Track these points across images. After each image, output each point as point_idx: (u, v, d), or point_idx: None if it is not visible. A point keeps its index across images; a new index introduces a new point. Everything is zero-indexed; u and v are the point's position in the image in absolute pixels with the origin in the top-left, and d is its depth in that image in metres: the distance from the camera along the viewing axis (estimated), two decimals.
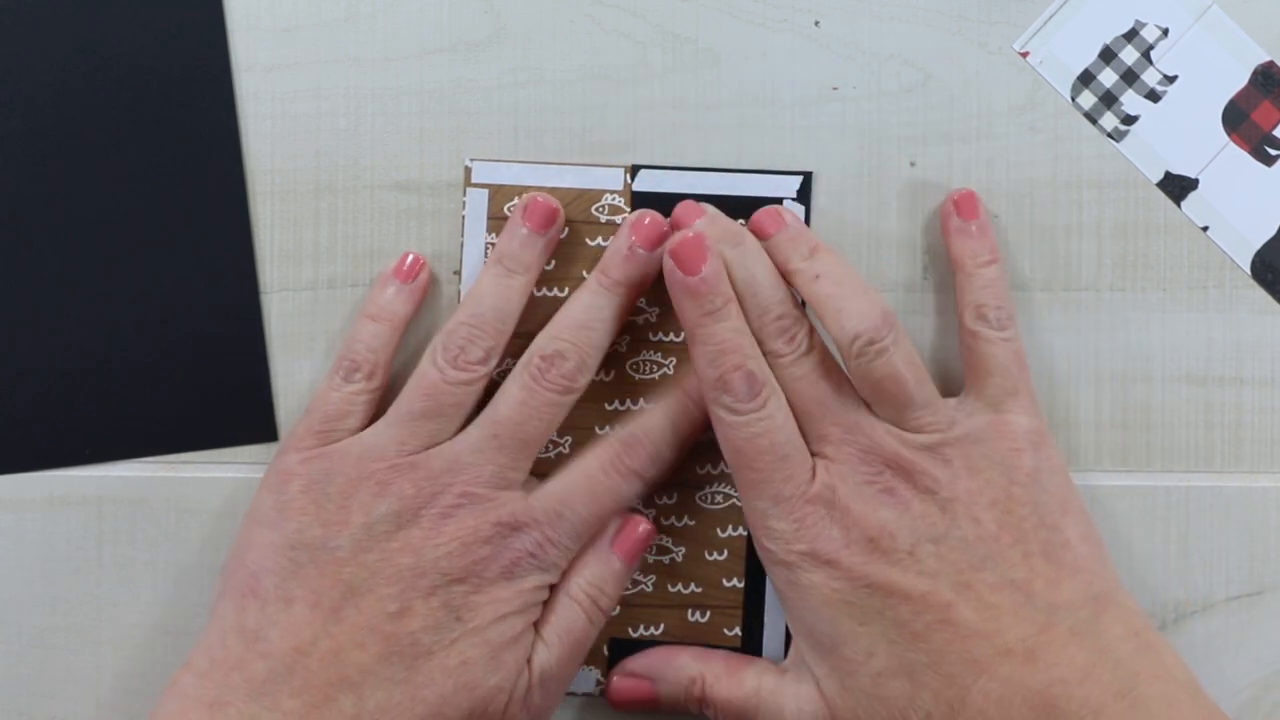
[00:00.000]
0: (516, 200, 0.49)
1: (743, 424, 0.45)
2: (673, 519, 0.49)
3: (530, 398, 0.45)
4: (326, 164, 0.51)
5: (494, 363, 0.47)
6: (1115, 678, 0.42)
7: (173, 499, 0.51)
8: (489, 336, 0.46)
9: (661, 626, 0.49)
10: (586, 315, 0.46)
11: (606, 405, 0.49)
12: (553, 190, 0.49)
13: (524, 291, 0.47)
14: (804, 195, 0.49)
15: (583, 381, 0.46)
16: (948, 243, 0.48)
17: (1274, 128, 0.51)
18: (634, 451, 0.46)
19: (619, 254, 0.47)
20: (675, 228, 0.47)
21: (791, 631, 0.46)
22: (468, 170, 0.49)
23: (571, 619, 0.46)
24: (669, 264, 0.45)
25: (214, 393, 0.51)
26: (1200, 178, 0.51)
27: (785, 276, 0.47)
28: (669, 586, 0.49)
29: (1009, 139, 0.51)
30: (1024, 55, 0.51)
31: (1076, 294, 0.51)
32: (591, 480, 0.46)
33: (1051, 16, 0.51)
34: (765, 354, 0.46)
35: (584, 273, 0.49)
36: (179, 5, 0.51)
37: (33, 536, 0.51)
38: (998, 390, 0.46)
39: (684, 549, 0.49)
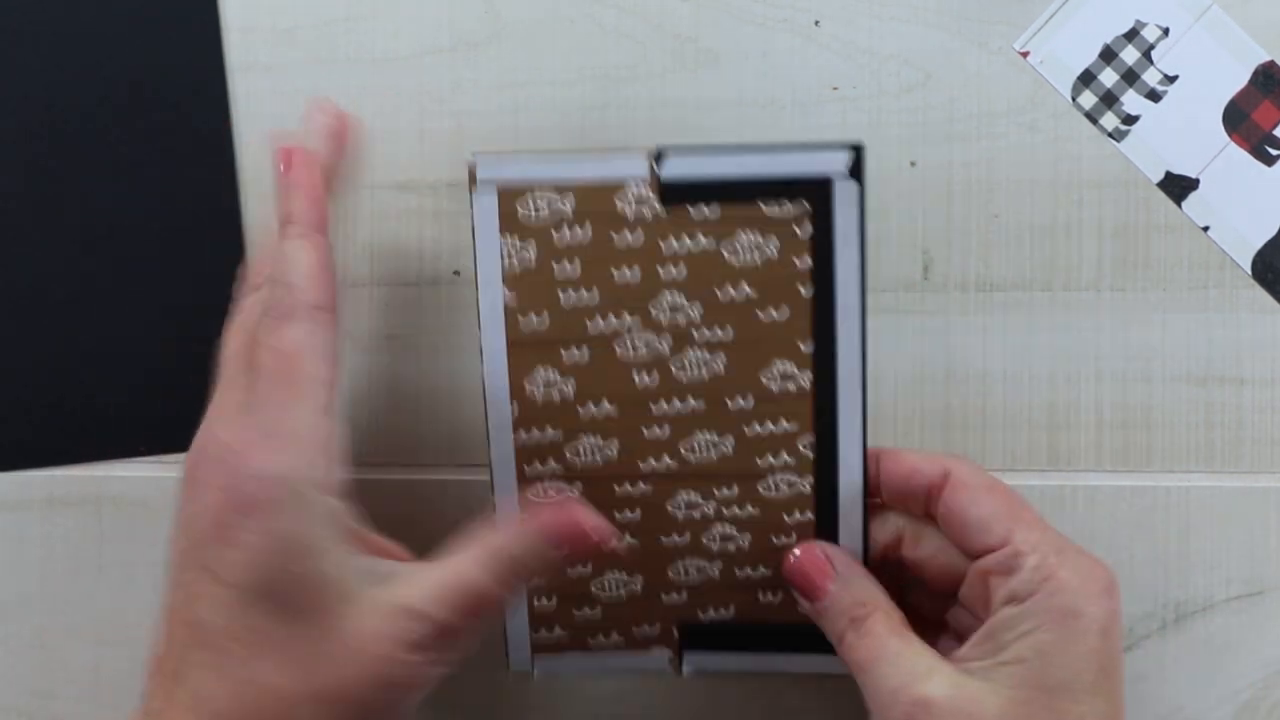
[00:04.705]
0: (529, 197, 0.44)
1: None
2: (734, 509, 0.47)
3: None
4: None
5: None
6: None
7: (173, 499, 0.51)
8: None
9: (732, 608, 0.48)
10: None
11: (653, 406, 0.46)
12: (569, 183, 0.44)
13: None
14: (857, 171, 0.44)
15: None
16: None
17: (1275, 127, 0.51)
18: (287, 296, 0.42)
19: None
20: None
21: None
22: (471, 168, 0.44)
23: (465, 566, 0.42)
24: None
25: (204, 395, 0.51)
26: (1201, 178, 0.51)
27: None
28: (736, 571, 0.48)
29: (1009, 139, 0.51)
30: (1024, 55, 0.51)
31: (1076, 294, 0.51)
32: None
33: (1051, 16, 0.51)
34: None
35: (612, 271, 0.45)
36: (173, 5, 0.51)
37: (33, 536, 0.51)
38: None
39: (749, 535, 0.47)
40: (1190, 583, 0.51)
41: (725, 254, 0.45)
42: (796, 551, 0.47)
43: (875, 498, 0.47)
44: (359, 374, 0.51)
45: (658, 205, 0.45)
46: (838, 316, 0.45)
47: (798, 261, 0.45)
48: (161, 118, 0.51)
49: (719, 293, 0.45)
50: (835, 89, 0.51)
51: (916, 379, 0.51)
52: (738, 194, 0.45)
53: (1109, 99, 0.51)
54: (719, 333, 0.46)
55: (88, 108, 0.50)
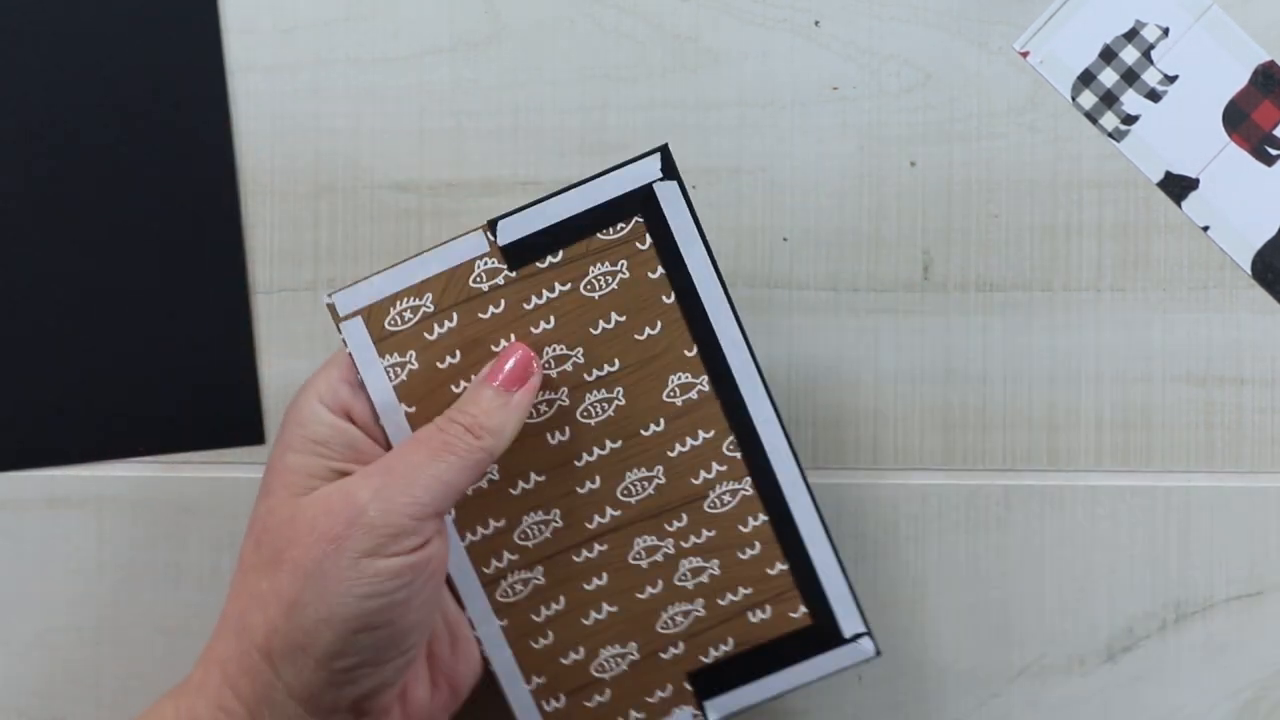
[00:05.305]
0: (391, 310, 0.46)
1: None
2: (692, 538, 0.47)
3: None
4: (326, 164, 0.51)
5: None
6: None
7: (173, 499, 0.51)
8: None
9: (731, 641, 0.48)
10: None
11: (576, 462, 0.47)
12: (423, 283, 0.46)
13: None
14: (669, 170, 0.45)
15: None
16: None
17: (1274, 127, 0.51)
18: None
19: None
20: None
21: None
22: (331, 307, 0.45)
23: (424, 430, 0.44)
24: None
25: (203, 395, 0.51)
26: (1200, 177, 0.51)
27: None
28: (719, 602, 0.48)
29: (1009, 139, 0.51)
30: (1024, 55, 0.51)
31: (1076, 294, 0.51)
32: None
33: (1051, 16, 0.51)
34: None
35: (490, 346, 0.46)
36: (173, 5, 0.51)
37: (33, 536, 0.51)
38: None
39: (716, 560, 0.48)
40: (1190, 583, 0.51)
41: (584, 291, 0.46)
42: None
43: None
44: None
45: (508, 271, 0.46)
46: (708, 311, 0.46)
47: (651, 274, 0.46)
48: (161, 118, 0.51)
49: (593, 330, 0.46)
50: (835, 89, 0.51)
51: (916, 379, 0.51)
52: (574, 233, 0.46)
53: (1109, 99, 0.51)
54: (607, 368, 0.47)
55: (88, 108, 0.50)
